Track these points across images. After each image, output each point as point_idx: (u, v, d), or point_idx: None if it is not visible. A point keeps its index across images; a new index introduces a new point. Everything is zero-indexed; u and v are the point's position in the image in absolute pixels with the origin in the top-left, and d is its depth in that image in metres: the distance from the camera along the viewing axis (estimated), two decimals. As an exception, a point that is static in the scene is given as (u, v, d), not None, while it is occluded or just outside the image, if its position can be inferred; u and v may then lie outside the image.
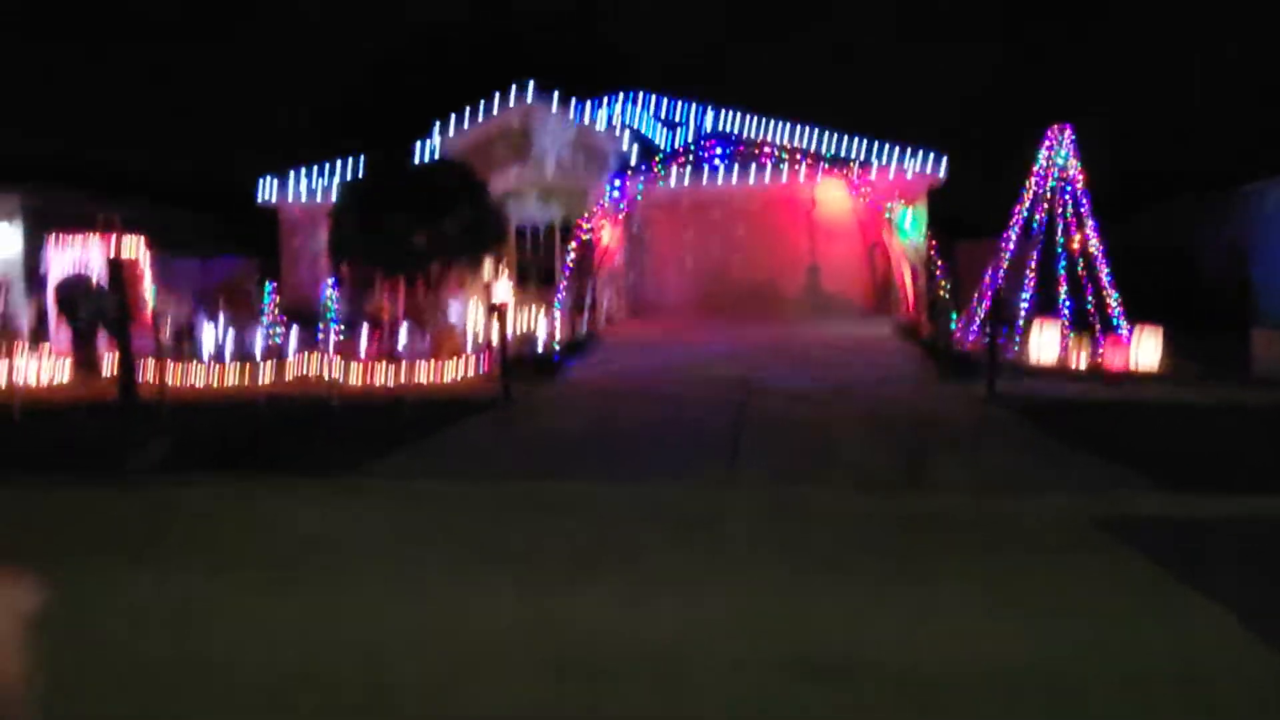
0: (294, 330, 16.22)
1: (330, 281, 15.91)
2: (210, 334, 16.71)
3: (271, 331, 16.39)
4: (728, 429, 9.97)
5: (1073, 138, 15.68)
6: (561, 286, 17.94)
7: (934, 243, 16.84)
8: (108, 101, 31.96)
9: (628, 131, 22.89)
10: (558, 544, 6.06)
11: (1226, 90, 29.23)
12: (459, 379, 14.22)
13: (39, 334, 16.77)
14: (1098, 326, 15.28)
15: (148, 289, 16.90)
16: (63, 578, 5.38)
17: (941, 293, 15.17)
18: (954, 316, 14.52)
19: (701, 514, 6.91)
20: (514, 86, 21.22)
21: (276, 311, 16.97)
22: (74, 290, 10.37)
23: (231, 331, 16.67)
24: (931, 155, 20.83)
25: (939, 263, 16.07)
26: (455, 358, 14.96)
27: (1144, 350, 14.23)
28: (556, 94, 21.43)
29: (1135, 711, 3.64)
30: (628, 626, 4.52)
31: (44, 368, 15.22)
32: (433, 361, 14.77)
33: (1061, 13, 33.72)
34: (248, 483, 7.92)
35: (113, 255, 9.36)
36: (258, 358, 14.77)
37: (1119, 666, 4.01)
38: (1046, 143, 15.87)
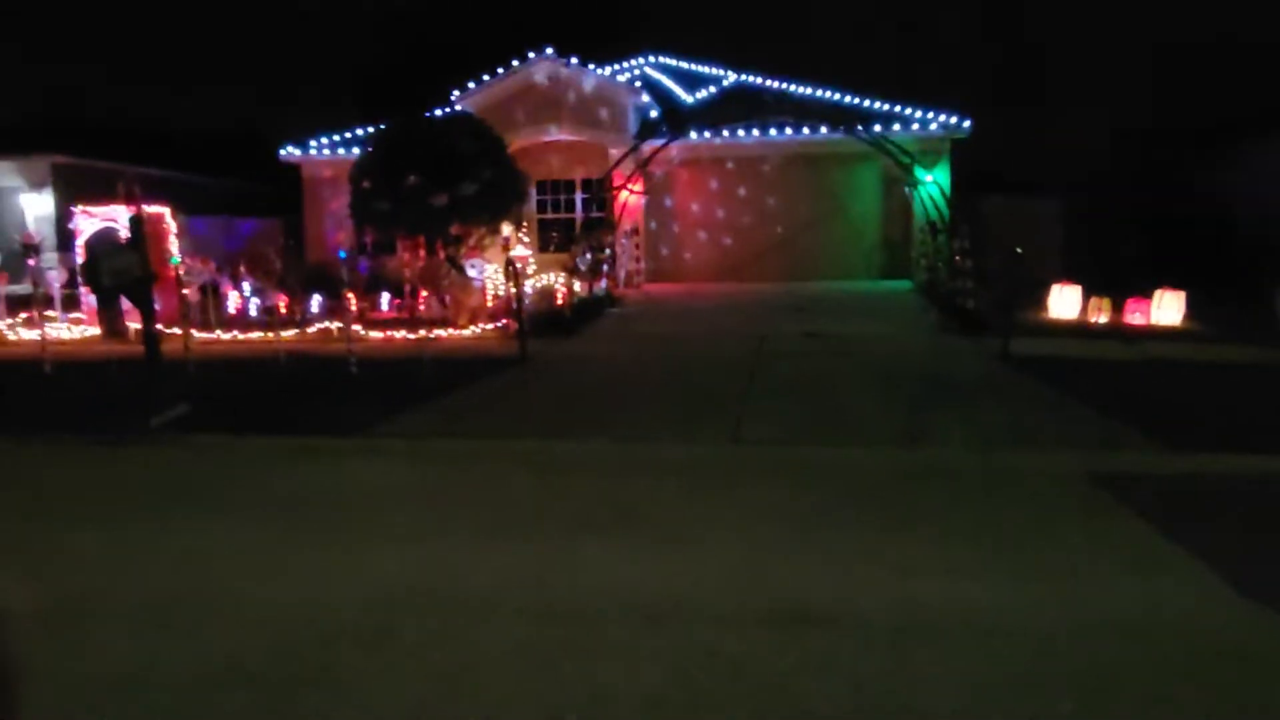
0: (316, 291, 16.50)
1: (346, 248, 16.07)
2: (235, 294, 17.03)
3: (294, 292, 16.66)
4: (738, 387, 10.08)
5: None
6: (581, 245, 17.97)
7: (948, 199, 16.67)
8: (138, 63, 32.20)
9: (648, 90, 22.77)
10: (560, 501, 6.21)
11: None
12: (478, 338, 14.39)
13: (70, 294, 17.19)
14: (1125, 285, 15.17)
15: (173, 248, 17.23)
16: (77, 529, 5.63)
17: (956, 249, 15.07)
18: (971, 273, 14.45)
19: (705, 472, 7.02)
20: (535, 45, 21.15)
21: (300, 272, 17.24)
22: (95, 251, 10.58)
23: (255, 292, 16.99)
24: (955, 111, 20.57)
25: (956, 220, 15.96)
26: (474, 317, 15.14)
27: (1165, 310, 14.11)
28: (578, 52, 21.35)
29: (1093, 659, 3.74)
30: (622, 580, 4.67)
31: (74, 326, 15.64)
32: (452, 321, 14.98)
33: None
34: (264, 441, 8.16)
35: (135, 212, 9.50)
36: (281, 317, 15.03)
37: (1085, 618, 4.11)
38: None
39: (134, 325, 13.80)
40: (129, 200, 10.45)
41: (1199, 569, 4.68)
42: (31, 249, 20.09)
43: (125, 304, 11.32)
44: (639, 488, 6.54)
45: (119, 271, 8.45)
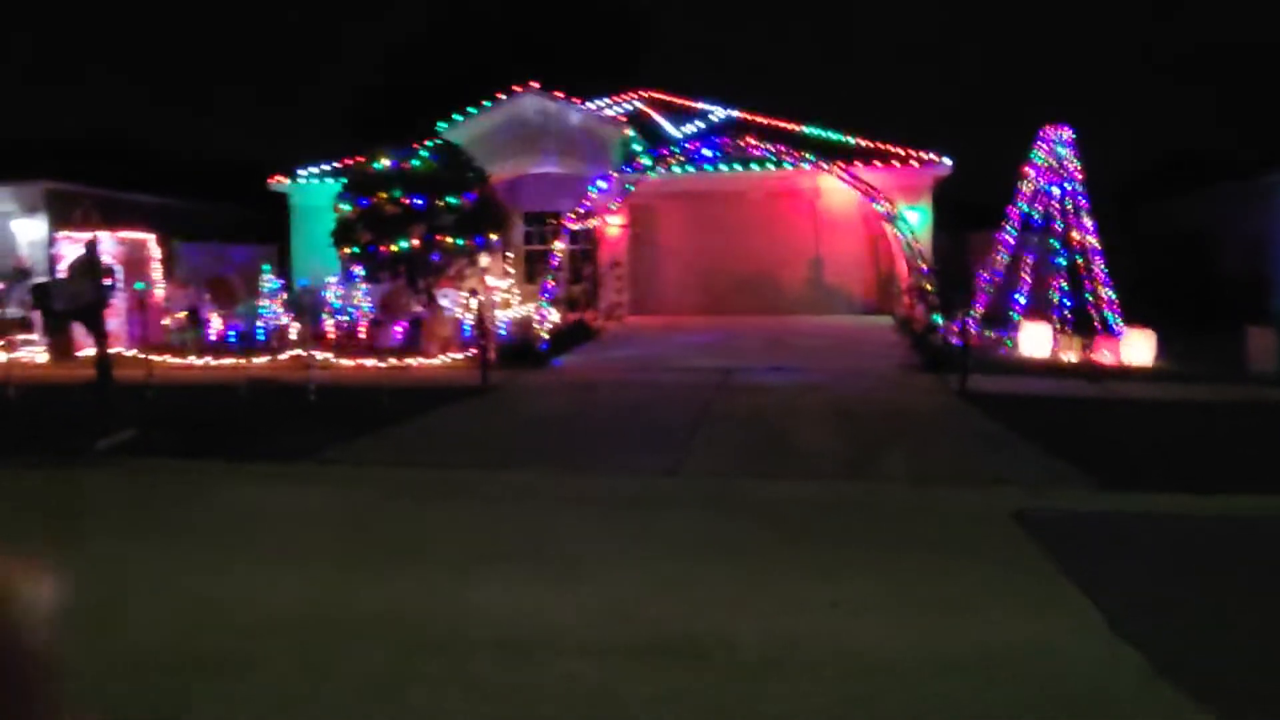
0: (294, 318, 16.61)
1: (306, 279, 16.18)
2: (215, 320, 17.17)
3: (275, 318, 16.80)
4: (691, 421, 10.09)
5: (1071, 136, 15.59)
6: (554, 277, 18.06)
7: (916, 239, 16.75)
8: (135, 90, 32.68)
9: (638, 125, 22.97)
10: (477, 531, 6.23)
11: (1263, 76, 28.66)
12: (447, 367, 14.43)
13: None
14: (1096, 324, 15.20)
15: (155, 274, 17.43)
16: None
17: (929, 287, 15.12)
18: (938, 312, 14.50)
19: (636, 504, 7.02)
20: (521, 78, 21.40)
21: (281, 299, 17.38)
22: (50, 280, 10.72)
23: (233, 318, 17.12)
24: (938, 148, 20.71)
25: (927, 257, 16.04)
26: (445, 346, 15.21)
27: (1135, 348, 14.08)
28: (563, 86, 21.59)
29: (947, 695, 3.73)
30: (507, 610, 4.67)
31: (45, 352, 15.77)
32: (423, 349, 15.05)
33: None
34: (205, 465, 8.19)
35: (90, 238, 9.61)
36: (258, 343, 15.16)
37: (955, 654, 4.10)
38: (1043, 144, 15.85)
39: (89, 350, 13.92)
40: (87, 224, 10.59)
41: (1083, 607, 4.66)
42: (23, 273, 20.32)
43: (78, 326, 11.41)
44: (560, 519, 6.56)
45: (72, 296, 8.55)
